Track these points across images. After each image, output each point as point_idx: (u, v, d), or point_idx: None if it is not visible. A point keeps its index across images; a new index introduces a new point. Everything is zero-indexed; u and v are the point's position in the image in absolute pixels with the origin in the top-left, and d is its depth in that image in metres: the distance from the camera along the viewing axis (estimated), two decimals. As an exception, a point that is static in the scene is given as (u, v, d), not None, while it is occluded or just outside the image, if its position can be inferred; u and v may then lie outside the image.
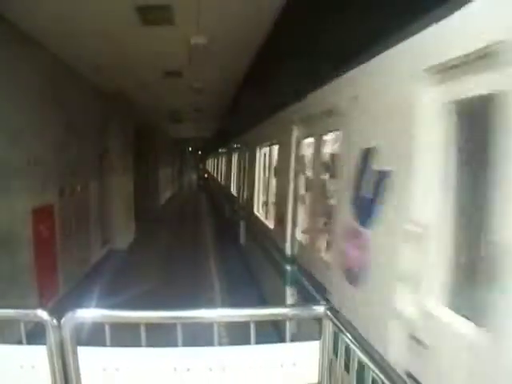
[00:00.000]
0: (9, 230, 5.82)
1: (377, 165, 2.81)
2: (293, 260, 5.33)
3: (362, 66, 3.26)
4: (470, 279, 2.06)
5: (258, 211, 8.76)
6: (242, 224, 10.92)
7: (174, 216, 19.94)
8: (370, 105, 3.07)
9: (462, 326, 1.94)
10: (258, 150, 8.92)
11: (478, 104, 1.99)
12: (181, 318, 2.22)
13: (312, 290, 4.34)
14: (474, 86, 1.96)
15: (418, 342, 2.17)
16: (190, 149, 42.94)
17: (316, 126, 4.59)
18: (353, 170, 3.18)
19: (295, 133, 5.34)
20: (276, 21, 5.76)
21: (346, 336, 2.13)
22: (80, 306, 2.16)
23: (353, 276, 3.08)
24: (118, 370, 2.14)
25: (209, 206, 23.96)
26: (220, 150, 22.35)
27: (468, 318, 1.95)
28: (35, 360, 2.16)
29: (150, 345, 2.20)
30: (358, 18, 3.62)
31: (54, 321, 2.09)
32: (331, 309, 2.25)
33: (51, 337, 2.09)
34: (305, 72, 5.11)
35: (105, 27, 6.18)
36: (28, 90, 6.45)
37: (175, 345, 2.20)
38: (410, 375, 2.22)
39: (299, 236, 5.33)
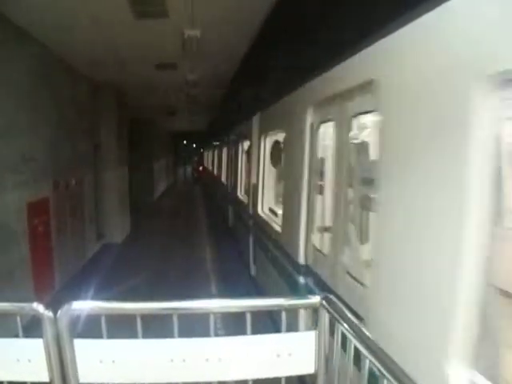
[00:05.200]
0: (4, 225, 5.81)
1: None
2: None
3: None
4: None
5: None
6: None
7: (169, 209, 19.93)
8: None
9: None
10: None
11: None
12: (177, 308, 2.22)
13: None
14: None
15: None
16: (185, 142, 42.84)
17: None
18: None
19: None
20: (270, 10, 5.74)
21: (342, 325, 2.14)
22: (76, 299, 2.16)
23: None
24: (115, 362, 2.15)
25: (204, 198, 23.93)
26: (214, 143, 22.63)
27: None
28: (32, 353, 2.16)
29: (146, 336, 2.20)
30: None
31: (50, 313, 2.08)
32: (327, 298, 2.25)
33: (47, 330, 2.09)
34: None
35: (98, 20, 6.14)
36: (20, 84, 6.41)
37: (171, 336, 2.20)
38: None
39: None
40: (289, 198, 5.43)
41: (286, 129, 5.78)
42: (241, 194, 11.26)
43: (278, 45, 6.07)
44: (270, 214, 7.42)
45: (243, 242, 9.61)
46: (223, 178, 16.23)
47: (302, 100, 4.82)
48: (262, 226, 7.48)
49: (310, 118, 4.51)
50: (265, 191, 7.78)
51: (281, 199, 6.96)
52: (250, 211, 8.60)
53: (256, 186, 8.04)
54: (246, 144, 10.14)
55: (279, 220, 6.28)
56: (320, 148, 4.48)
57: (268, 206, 7.71)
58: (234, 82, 10.79)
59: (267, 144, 7.56)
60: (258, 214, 7.79)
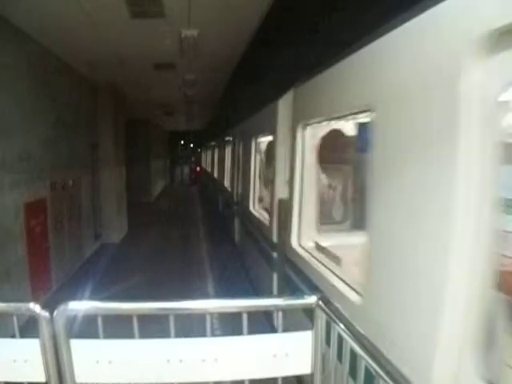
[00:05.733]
0: (0, 225, 5.80)
1: None
2: None
3: None
4: None
5: None
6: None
7: (167, 210, 19.89)
8: None
9: None
10: None
11: None
12: (173, 309, 2.23)
13: None
14: None
15: None
16: (183, 142, 42.86)
17: None
18: None
19: None
20: (268, 8, 5.74)
21: (339, 326, 2.15)
22: (73, 299, 2.16)
23: None
24: (111, 362, 2.15)
25: (201, 198, 23.90)
26: (213, 143, 21.67)
27: None
28: (28, 353, 2.16)
29: (143, 336, 2.20)
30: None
31: (47, 314, 2.09)
32: (323, 299, 2.26)
33: (44, 330, 2.09)
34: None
35: (95, 20, 6.12)
36: (18, 84, 6.40)
37: (168, 336, 2.21)
38: None
39: None
40: (404, 235, 2.45)
41: (378, 101, 2.77)
42: (254, 208, 8.22)
43: (279, 39, 6.03)
44: (315, 251, 4.52)
45: (259, 274, 7.11)
46: (226, 183, 13.70)
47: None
48: (299, 267, 4.66)
49: None
50: (304, 214, 4.87)
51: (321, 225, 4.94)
52: (275, 239, 5.84)
53: (287, 204, 5.25)
54: (264, 141, 7.93)
55: (348, 269, 3.65)
56: None
57: (310, 236, 4.82)
58: (235, 75, 10.42)
59: (309, 138, 4.77)
60: (293, 249, 4.92)
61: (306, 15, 5.05)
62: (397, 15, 2.50)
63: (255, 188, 8.31)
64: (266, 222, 6.53)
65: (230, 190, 12.13)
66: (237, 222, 10.21)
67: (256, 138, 7.98)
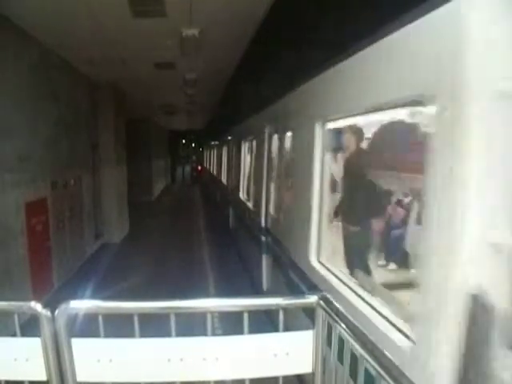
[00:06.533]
0: (2, 224, 5.80)
1: None
2: None
3: None
4: None
5: None
6: None
7: (168, 210, 19.86)
8: None
9: None
10: None
11: None
12: (174, 308, 2.22)
13: None
14: None
15: None
16: (184, 141, 42.86)
17: None
18: None
19: None
20: (269, 9, 5.72)
21: (339, 325, 2.14)
22: (74, 298, 2.16)
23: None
24: (112, 361, 2.15)
25: (203, 198, 23.84)
26: (218, 142, 19.86)
27: None
28: (29, 352, 2.16)
29: (144, 335, 2.20)
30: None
31: (48, 313, 2.08)
32: (324, 298, 2.26)
33: (45, 329, 2.09)
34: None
35: (96, 19, 6.13)
36: (19, 84, 6.40)
37: (169, 335, 2.21)
38: None
39: None
40: None
41: None
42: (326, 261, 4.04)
43: (280, 38, 6.00)
44: None
45: None
46: (244, 196, 10.17)
47: None
48: None
49: None
50: None
51: None
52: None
53: None
54: (342, 127, 4.17)
55: None
56: None
57: None
58: (239, 77, 10.18)
59: None
60: None
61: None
62: None
63: (321, 221, 4.07)
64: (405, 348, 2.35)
65: (252, 208, 8.46)
66: (266, 262, 6.74)
67: (324, 122, 3.97)
